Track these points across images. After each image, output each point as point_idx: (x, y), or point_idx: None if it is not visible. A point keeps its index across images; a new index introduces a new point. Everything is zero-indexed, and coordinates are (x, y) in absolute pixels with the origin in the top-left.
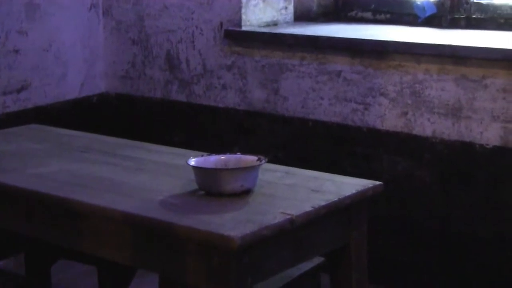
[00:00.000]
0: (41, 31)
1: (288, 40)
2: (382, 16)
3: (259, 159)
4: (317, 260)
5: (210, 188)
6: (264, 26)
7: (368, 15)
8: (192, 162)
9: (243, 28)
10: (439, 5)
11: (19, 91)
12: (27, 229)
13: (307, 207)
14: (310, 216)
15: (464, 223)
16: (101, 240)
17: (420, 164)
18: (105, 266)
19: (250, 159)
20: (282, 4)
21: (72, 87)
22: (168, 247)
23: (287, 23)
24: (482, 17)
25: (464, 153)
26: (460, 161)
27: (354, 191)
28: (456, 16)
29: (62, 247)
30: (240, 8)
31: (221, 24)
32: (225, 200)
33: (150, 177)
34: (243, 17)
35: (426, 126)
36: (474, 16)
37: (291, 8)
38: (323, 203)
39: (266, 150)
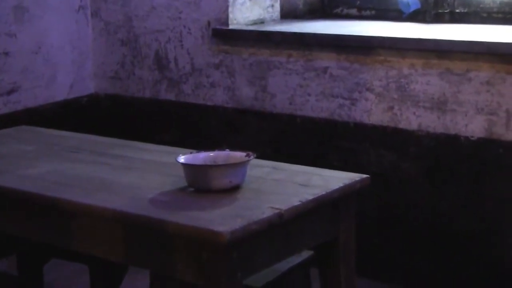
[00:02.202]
0: (29, 33)
1: (275, 37)
2: (367, 13)
3: (247, 155)
4: (306, 254)
5: (199, 185)
6: (251, 25)
7: (354, 11)
8: (181, 159)
9: (230, 27)
10: (423, 1)
11: (9, 93)
12: (19, 229)
13: (295, 202)
14: (298, 210)
15: (450, 215)
16: (93, 239)
17: (407, 157)
18: (97, 264)
19: (239, 155)
20: (268, 2)
21: (61, 88)
22: (159, 243)
23: (274, 21)
24: (465, 11)
25: (449, 145)
26: (445, 153)
27: (341, 185)
28: (440, 11)
29: (54, 246)
30: (227, 7)
31: (209, 23)
32: (214, 196)
33: (140, 176)
34: (230, 15)
35: (412, 119)
36: (457, 11)
37: (277, 6)
38: (311, 197)
39: (255, 147)
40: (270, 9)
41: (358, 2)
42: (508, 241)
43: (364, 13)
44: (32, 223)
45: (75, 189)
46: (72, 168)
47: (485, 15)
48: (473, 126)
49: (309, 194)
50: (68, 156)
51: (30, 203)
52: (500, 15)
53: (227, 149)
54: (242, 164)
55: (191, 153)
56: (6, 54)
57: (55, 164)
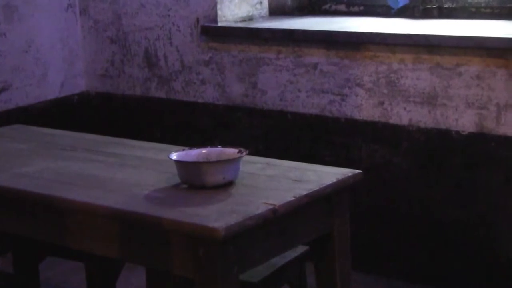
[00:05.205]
0: (19, 32)
1: (264, 34)
2: (356, 8)
3: (240, 151)
4: (301, 249)
5: (193, 181)
6: (239, 21)
7: (342, 7)
8: (174, 156)
9: (219, 24)
10: None
11: (0, 92)
12: (14, 227)
13: (289, 197)
14: (292, 206)
15: (443, 208)
16: (89, 236)
17: (398, 152)
18: (93, 261)
19: (231, 151)
20: None
21: (52, 87)
22: (155, 240)
23: (262, 18)
24: (453, 6)
25: (440, 140)
26: (437, 148)
27: (334, 180)
28: (428, 6)
29: (49, 244)
30: (215, 4)
31: (198, 20)
32: (208, 192)
33: (134, 173)
34: (219, 12)
35: (403, 114)
36: (445, 6)
37: (265, 2)
38: (304, 192)
39: (247, 144)
40: (258, 6)
41: None
42: (501, 233)
43: (352, 9)
44: (28, 221)
45: (70, 187)
46: (66, 166)
47: (473, 10)
48: (464, 121)
49: (303, 190)
50: (62, 154)
51: (25, 201)
52: (488, 10)
53: (219, 146)
54: (235, 160)
55: (183, 150)
56: None
57: (49, 162)
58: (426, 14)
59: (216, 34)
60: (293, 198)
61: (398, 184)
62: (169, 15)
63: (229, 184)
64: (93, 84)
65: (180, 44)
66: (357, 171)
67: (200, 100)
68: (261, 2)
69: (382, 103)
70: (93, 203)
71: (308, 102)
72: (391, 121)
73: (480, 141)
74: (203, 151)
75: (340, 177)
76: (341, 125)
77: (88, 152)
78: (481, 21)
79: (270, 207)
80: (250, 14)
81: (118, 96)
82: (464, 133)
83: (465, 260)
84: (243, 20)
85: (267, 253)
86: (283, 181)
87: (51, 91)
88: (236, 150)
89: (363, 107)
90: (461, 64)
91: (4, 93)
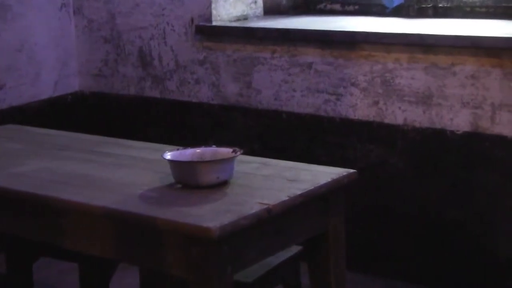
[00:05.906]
0: (13, 32)
1: (259, 33)
2: (351, 8)
3: (234, 151)
4: (295, 249)
5: (187, 181)
6: (234, 21)
7: (337, 6)
8: (168, 156)
9: (214, 23)
10: None
11: None
12: (9, 227)
13: (284, 197)
14: (286, 205)
15: (439, 208)
16: (83, 236)
17: (393, 151)
18: (87, 262)
19: (226, 151)
20: None
21: (46, 86)
22: (149, 239)
23: (257, 17)
24: (448, 5)
25: (435, 139)
26: (432, 147)
27: (329, 180)
28: (423, 5)
29: (43, 244)
30: (210, 3)
31: (192, 19)
32: (202, 192)
33: (129, 173)
34: (214, 12)
35: (398, 114)
36: (440, 5)
37: (260, 2)
38: (299, 192)
39: (242, 143)
40: (253, 5)
41: None
42: (497, 232)
43: (347, 8)
44: (23, 221)
45: (65, 187)
46: (61, 166)
47: (468, 9)
48: (458, 120)
49: (297, 189)
50: (57, 154)
51: (21, 201)
52: (483, 10)
53: (213, 145)
54: (230, 160)
55: (177, 149)
56: None
57: (44, 162)
58: (421, 13)
59: (210, 34)
60: (288, 198)
61: (394, 184)
62: (163, 15)
63: (223, 183)
64: (87, 83)
65: (175, 44)
66: (351, 170)
67: (194, 100)
68: (255, 2)
69: (377, 103)
70: (88, 203)
71: (303, 101)
72: (386, 120)
73: (475, 141)
74: (197, 150)
75: (334, 176)
76: (336, 124)
77: (84, 152)
78: (476, 20)
79: (265, 206)
80: (245, 13)
81: (112, 95)
82: (459, 133)
83: (462, 260)
84: (238, 19)
85: (261, 253)
86: (278, 180)
87: (45, 90)
88: (230, 150)
89: (358, 107)
90: (456, 64)
91: None
